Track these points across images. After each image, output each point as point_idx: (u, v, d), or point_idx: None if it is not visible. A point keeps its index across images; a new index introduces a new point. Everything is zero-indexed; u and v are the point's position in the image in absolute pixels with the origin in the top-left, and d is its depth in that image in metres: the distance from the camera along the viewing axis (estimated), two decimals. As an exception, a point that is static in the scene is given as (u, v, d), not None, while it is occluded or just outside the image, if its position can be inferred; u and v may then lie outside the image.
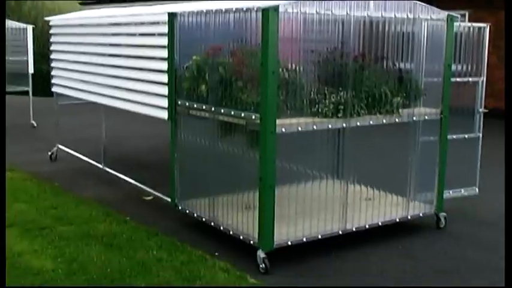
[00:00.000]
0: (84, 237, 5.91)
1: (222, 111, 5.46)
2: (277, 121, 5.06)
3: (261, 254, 5.16)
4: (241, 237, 5.44)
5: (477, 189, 6.83)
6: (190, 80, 5.80)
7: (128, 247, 5.67)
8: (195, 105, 5.78)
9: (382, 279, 5.14)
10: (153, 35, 6.46)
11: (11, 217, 6.41)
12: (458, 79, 6.51)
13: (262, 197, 5.13)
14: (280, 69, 5.18)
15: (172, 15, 5.95)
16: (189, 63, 5.81)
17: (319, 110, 5.46)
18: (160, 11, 6.31)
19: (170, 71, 6.00)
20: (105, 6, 20.82)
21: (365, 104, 5.67)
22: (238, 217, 5.54)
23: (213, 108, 5.56)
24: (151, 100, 6.45)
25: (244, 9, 5.18)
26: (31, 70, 12.83)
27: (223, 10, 5.42)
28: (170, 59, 5.99)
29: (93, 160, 8.48)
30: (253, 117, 5.11)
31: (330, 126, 5.52)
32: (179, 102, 5.99)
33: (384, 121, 5.80)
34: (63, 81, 8.87)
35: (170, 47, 5.97)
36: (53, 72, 9.18)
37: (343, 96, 5.50)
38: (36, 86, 13.80)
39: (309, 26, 5.35)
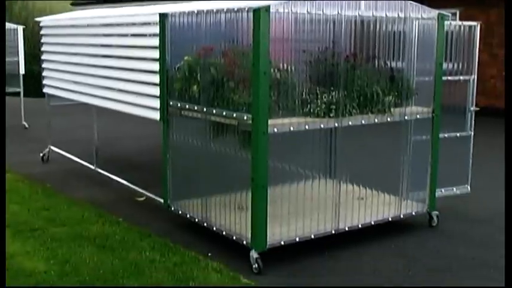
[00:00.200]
0: (77, 238, 5.90)
1: (214, 111, 5.46)
2: (269, 121, 5.06)
3: (254, 254, 5.16)
4: (234, 238, 5.44)
5: (469, 188, 6.85)
6: (182, 81, 5.80)
7: (120, 248, 5.66)
8: (187, 106, 5.77)
9: (375, 278, 5.15)
10: (144, 35, 6.45)
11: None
12: (449, 77, 6.53)
13: (254, 197, 5.13)
14: (272, 70, 5.18)
15: (163, 16, 5.94)
16: (181, 63, 5.81)
17: (311, 110, 5.47)
18: (151, 12, 6.29)
19: (162, 72, 6.00)
20: (96, 6, 20.79)
21: (357, 103, 5.68)
22: (231, 217, 5.54)
23: (205, 109, 5.56)
24: (143, 101, 6.44)
25: (236, 9, 5.18)
26: (22, 71, 12.79)
27: (215, 10, 5.42)
28: (162, 60, 5.98)
29: (85, 161, 8.46)
30: (245, 117, 5.11)
31: (322, 126, 5.52)
32: (171, 103, 5.98)
33: (376, 120, 5.81)
34: (54, 82, 8.85)
35: (161, 47, 5.96)
36: (44, 73, 9.15)
37: (335, 96, 5.50)
38: (28, 87, 13.76)
39: (300, 26, 5.35)
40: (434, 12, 6.08)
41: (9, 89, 13.41)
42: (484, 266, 5.43)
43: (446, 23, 6.18)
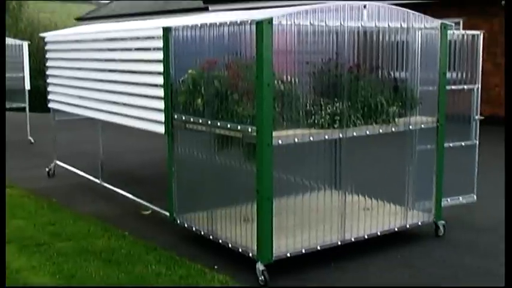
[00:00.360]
0: (83, 253, 5.90)
1: (219, 124, 5.47)
2: (274, 133, 5.07)
3: (260, 266, 5.15)
4: (240, 250, 5.43)
5: (475, 197, 6.83)
6: (186, 94, 5.81)
7: (126, 262, 5.66)
8: (192, 119, 5.78)
9: (382, 289, 5.13)
10: (148, 49, 6.47)
11: (9, 234, 6.40)
12: (453, 87, 6.53)
13: (260, 209, 5.12)
14: (276, 81, 5.19)
15: (167, 30, 5.96)
16: (185, 77, 5.83)
17: (316, 121, 5.47)
18: (155, 26, 6.32)
19: (166, 85, 6.01)
20: (100, 21, 20.89)
21: (361, 114, 5.69)
22: (236, 230, 5.54)
23: (209, 122, 5.57)
24: (147, 114, 6.45)
25: (238, 22, 5.20)
26: (27, 86, 12.85)
27: (218, 24, 5.44)
28: (166, 74, 6.00)
29: (91, 175, 8.47)
30: (250, 129, 5.12)
31: (326, 137, 5.52)
32: (175, 116, 6.00)
33: (380, 131, 5.81)
34: (59, 97, 8.88)
35: (165, 61, 5.99)
36: (49, 88, 9.19)
37: (339, 106, 5.51)
38: (33, 102, 13.82)
39: (303, 38, 5.37)
40: (437, 22, 6.09)
41: (14, 105, 13.47)
42: (489, 274, 5.41)
43: (450, 32, 6.19)
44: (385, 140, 5.99)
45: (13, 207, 7.46)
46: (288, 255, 5.33)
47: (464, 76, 6.65)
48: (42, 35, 9.49)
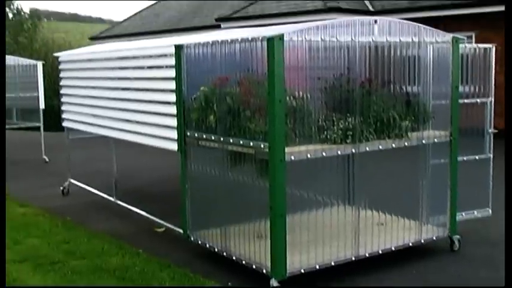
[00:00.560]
0: (97, 271, 5.91)
1: (231, 141, 5.48)
2: (286, 149, 5.07)
3: (274, 283, 5.13)
4: (253, 267, 5.42)
5: (490, 211, 6.78)
6: (199, 111, 5.83)
7: (140, 280, 5.66)
8: (204, 136, 5.80)
9: (397, 305, 5.09)
10: (160, 67, 6.51)
11: (24, 252, 6.44)
12: (466, 100, 6.51)
13: (273, 225, 5.11)
14: (288, 97, 5.20)
15: (179, 48, 6.00)
16: (197, 94, 5.85)
17: (328, 137, 5.47)
18: (167, 44, 6.36)
19: (178, 103, 6.04)
20: (114, 40, 21.05)
21: (373, 128, 5.68)
22: (250, 246, 5.52)
23: (221, 138, 5.58)
24: (160, 132, 6.48)
25: (250, 39, 5.22)
26: (42, 106, 12.94)
27: (229, 41, 5.47)
28: (178, 91, 6.03)
29: (105, 193, 8.50)
30: (262, 146, 5.13)
31: (339, 152, 5.51)
32: (188, 133, 6.02)
33: (393, 145, 5.80)
34: (73, 116, 8.94)
35: (178, 78, 6.02)
36: (63, 107, 9.26)
37: (351, 122, 5.50)
38: (48, 121, 13.92)
39: (315, 54, 5.38)
40: (448, 36, 6.08)
41: (29, 124, 13.58)
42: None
43: (461, 45, 6.17)
44: (398, 154, 5.97)
45: (28, 226, 7.49)
46: (302, 271, 5.31)
47: (477, 89, 6.63)
48: (56, 54, 9.58)
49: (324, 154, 5.39)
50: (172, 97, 6.10)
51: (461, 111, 6.30)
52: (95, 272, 5.86)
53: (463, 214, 6.59)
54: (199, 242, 6.14)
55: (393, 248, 5.90)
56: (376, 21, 5.61)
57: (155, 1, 28.07)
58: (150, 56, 6.77)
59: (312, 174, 5.70)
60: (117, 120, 7.49)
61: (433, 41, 6.01)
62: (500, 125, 7.63)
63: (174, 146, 6.18)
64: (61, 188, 9.47)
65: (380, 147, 5.72)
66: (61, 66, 9.24)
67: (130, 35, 23.57)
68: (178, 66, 6.01)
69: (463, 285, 5.47)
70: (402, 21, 5.83)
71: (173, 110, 6.11)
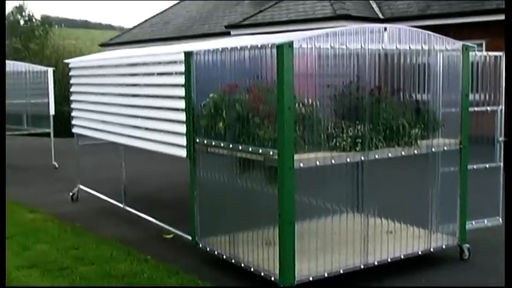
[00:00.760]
0: (105, 277, 5.91)
1: (240, 147, 5.48)
2: (295, 156, 5.06)
3: (282, 290, 5.12)
4: (262, 274, 5.41)
5: (500, 219, 6.74)
6: (208, 118, 5.84)
7: (148, 285, 5.65)
8: (213, 143, 5.80)
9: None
10: (170, 74, 6.52)
11: (33, 258, 6.45)
12: (476, 108, 6.48)
13: (282, 233, 5.10)
14: (297, 105, 5.19)
15: (188, 54, 6.01)
16: (206, 101, 5.86)
17: (337, 144, 5.46)
18: (176, 50, 6.38)
19: (188, 109, 6.05)
20: (124, 47, 21.13)
21: (383, 136, 5.66)
22: (258, 254, 5.51)
23: (231, 145, 5.58)
24: (169, 139, 6.49)
25: (259, 46, 5.23)
26: (52, 112, 12.99)
27: (239, 48, 5.47)
28: (187, 98, 6.04)
29: (114, 199, 8.51)
30: (271, 153, 5.12)
31: (348, 159, 5.50)
32: (197, 140, 6.02)
33: (403, 153, 5.78)
34: (83, 122, 8.97)
35: (187, 85, 6.03)
36: (73, 113, 9.29)
37: (360, 129, 5.49)
38: (58, 128, 13.96)
39: (324, 61, 5.38)
40: (458, 44, 6.06)
41: (39, 130, 13.63)
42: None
43: (472, 53, 6.15)
44: (407, 162, 5.94)
45: (37, 232, 7.51)
46: (311, 279, 5.30)
47: (487, 97, 6.60)
48: (66, 61, 9.62)
49: (333, 161, 5.38)
50: (182, 104, 6.11)
51: (472, 120, 6.27)
52: (103, 278, 5.87)
53: (473, 223, 6.55)
54: (208, 249, 6.14)
55: (402, 256, 5.88)
56: (385, 29, 5.60)
57: (165, 8, 28.15)
58: (160, 63, 6.79)
59: (321, 182, 5.69)
60: (127, 127, 7.50)
61: (443, 49, 6.00)
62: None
63: (183, 153, 6.19)
64: (70, 194, 9.49)
65: (389, 155, 5.70)
66: (71, 73, 9.28)
67: (140, 41, 23.65)
68: (187, 73, 6.02)
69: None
70: (412, 28, 5.82)
71: (182, 116, 6.12)
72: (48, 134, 13.29)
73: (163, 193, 10.02)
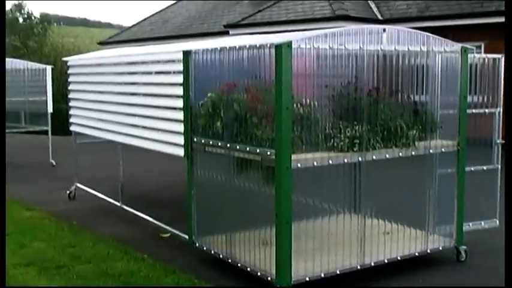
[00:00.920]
0: (102, 275, 5.90)
1: (238, 147, 5.48)
2: (293, 156, 5.06)
3: (278, 290, 5.12)
4: (258, 274, 5.41)
5: (497, 221, 6.74)
6: (206, 117, 5.84)
7: (145, 285, 5.64)
8: (211, 142, 5.80)
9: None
10: (168, 72, 6.52)
11: (30, 256, 6.44)
12: (474, 110, 6.48)
13: (278, 233, 5.10)
14: (295, 105, 5.20)
15: (187, 53, 6.01)
16: (204, 100, 5.85)
17: (335, 145, 5.46)
18: (175, 49, 6.37)
19: (186, 109, 6.05)
20: (122, 45, 21.11)
21: (380, 137, 5.66)
22: (255, 253, 5.51)
23: (228, 145, 5.58)
24: (167, 137, 6.48)
25: (258, 45, 5.23)
26: (50, 109, 12.98)
27: (237, 47, 5.47)
28: (185, 97, 6.03)
29: (111, 198, 8.51)
30: (269, 153, 5.12)
31: (345, 160, 5.50)
32: (195, 139, 6.02)
33: (400, 154, 5.78)
34: (81, 120, 8.96)
35: (185, 84, 6.02)
36: (71, 111, 9.28)
37: (358, 130, 5.49)
38: (56, 125, 13.96)
39: (323, 61, 5.38)
40: (457, 46, 6.07)
41: (37, 128, 13.62)
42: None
43: (470, 55, 6.16)
44: (405, 163, 5.95)
45: (34, 230, 7.50)
46: (307, 279, 5.30)
47: (485, 100, 6.61)
48: (64, 59, 9.61)
49: (330, 162, 5.38)
50: (180, 103, 6.10)
51: (469, 121, 6.28)
52: (100, 277, 5.86)
53: (470, 224, 6.56)
54: (205, 248, 6.14)
55: (399, 258, 5.88)
56: (384, 30, 5.60)
57: (164, 7, 28.15)
58: (159, 62, 6.79)
59: (318, 182, 5.69)
60: (125, 125, 7.50)
61: (442, 51, 6.00)
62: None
63: (180, 152, 6.19)
64: (68, 192, 9.48)
65: (387, 155, 5.71)
66: (70, 71, 9.27)
67: (139, 40, 23.64)
68: (186, 72, 6.02)
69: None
70: (411, 30, 5.82)
71: (180, 115, 6.12)
72: (46, 132, 13.28)
73: (161, 192, 10.02)
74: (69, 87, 9.27)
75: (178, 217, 6.86)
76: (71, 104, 9.28)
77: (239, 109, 5.46)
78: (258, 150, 5.24)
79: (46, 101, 12.91)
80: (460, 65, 6.08)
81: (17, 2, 44.70)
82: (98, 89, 8.22)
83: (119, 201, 8.27)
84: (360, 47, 5.46)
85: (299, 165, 5.14)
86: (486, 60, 6.57)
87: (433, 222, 6.28)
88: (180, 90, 6.09)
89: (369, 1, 17.97)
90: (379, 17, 17.18)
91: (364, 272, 5.65)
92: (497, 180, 6.68)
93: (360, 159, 5.57)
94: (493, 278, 5.85)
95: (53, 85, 13.24)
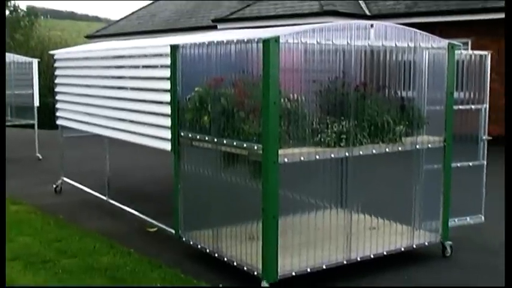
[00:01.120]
0: (88, 270, 5.88)
1: (225, 142, 5.47)
2: (280, 151, 5.06)
3: (265, 285, 5.12)
4: (245, 269, 5.41)
5: (483, 217, 6.79)
6: (193, 111, 5.82)
7: (131, 280, 5.64)
8: (198, 137, 5.79)
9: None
10: (156, 67, 6.50)
11: (15, 250, 6.40)
12: (461, 107, 6.51)
13: (265, 227, 5.11)
14: (282, 100, 5.19)
15: (174, 48, 5.99)
16: (192, 94, 5.84)
17: (322, 140, 5.46)
18: (162, 43, 6.35)
19: (173, 103, 6.03)
20: (109, 39, 21.01)
21: (367, 132, 5.67)
22: (242, 248, 5.52)
23: (215, 139, 5.57)
24: (154, 132, 6.46)
25: (245, 40, 5.22)
26: (36, 103, 12.91)
27: (225, 41, 5.46)
28: (173, 91, 6.02)
29: (98, 192, 8.48)
30: (256, 147, 5.12)
31: (332, 155, 5.51)
32: (182, 134, 6.01)
33: (387, 150, 5.79)
34: (67, 114, 8.92)
35: (172, 78, 6.01)
36: (58, 105, 9.24)
37: (345, 125, 5.50)
38: (42, 119, 13.88)
39: (310, 56, 5.38)
40: (444, 42, 6.09)
41: (23, 121, 13.54)
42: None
43: (457, 52, 6.18)
44: (391, 159, 5.97)
45: (20, 224, 7.46)
46: (293, 274, 5.30)
47: (472, 96, 6.64)
48: (51, 52, 9.55)
49: (317, 157, 5.39)
50: (167, 97, 6.09)
51: (456, 118, 6.30)
52: (86, 271, 5.84)
53: (456, 220, 6.59)
54: (191, 243, 6.13)
55: (385, 253, 5.90)
56: (372, 26, 5.61)
57: (152, 1, 28.04)
58: (146, 56, 6.76)
59: (305, 177, 5.70)
60: (112, 119, 7.47)
61: (429, 47, 6.02)
62: (495, 131, 7.65)
63: (167, 146, 6.17)
64: (54, 186, 9.44)
65: (374, 151, 5.72)
66: (56, 64, 9.22)
67: (126, 34, 23.54)
68: (173, 66, 6.00)
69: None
70: (398, 26, 5.84)
71: (167, 110, 6.10)
72: (32, 126, 13.20)
73: (147, 186, 9.99)
74: (56, 81, 9.22)
75: (164, 211, 6.85)
76: (57, 97, 9.23)
77: (226, 104, 5.45)
78: (245, 145, 5.24)
79: (32, 94, 12.83)
80: (446, 61, 6.09)
81: (3, -5, 44.35)
82: (85, 82, 8.18)
83: (105, 195, 8.24)
84: (347, 42, 5.46)
85: (286, 160, 5.14)
86: (473, 56, 6.60)
87: (419, 218, 6.31)
88: (167, 85, 6.07)
89: (357, -3, 18.01)
90: (367, 12, 17.21)
91: (351, 267, 5.67)
92: (483, 176, 6.72)
93: (346, 154, 5.58)
94: (477, 274, 5.89)
95: (39, 78, 13.16)
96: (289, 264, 5.34)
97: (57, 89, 9.22)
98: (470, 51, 6.65)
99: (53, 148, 10.75)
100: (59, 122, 9.26)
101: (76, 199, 8.89)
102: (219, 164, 5.68)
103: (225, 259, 5.65)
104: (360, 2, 17.77)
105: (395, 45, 5.77)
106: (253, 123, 5.22)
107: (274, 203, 5.07)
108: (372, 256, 5.80)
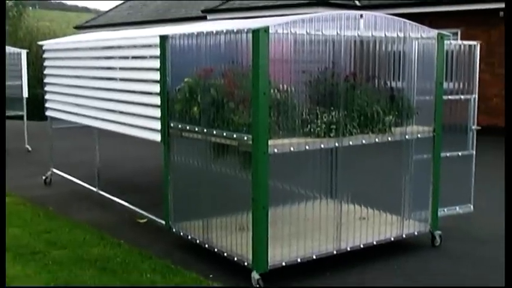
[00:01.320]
0: (78, 261, 5.88)
1: (215, 132, 5.46)
2: (270, 142, 5.06)
3: (255, 275, 5.14)
4: (235, 259, 5.42)
5: (472, 207, 6.82)
6: (183, 102, 5.81)
7: (121, 270, 5.63)
8: (188, 127, 5.78)
9: (378, 299, 5.11)
10: (145, 57, 6.47)
11: (5, 242, 6.38)
12: (450, 97, 6.53)
13: (255, 218, 5.11)
14: (272, 90, 5.19)
15: (163, 38, 5.97)
16: (181, 85, 5.82)
17: (312, 130, 5.46)
18: (152, 34, 6.33)
19: (162, 94, 6.02)
20: (99, 30, 20.90)
21: (357, 123, 5.68)
22: (232, 239, 5.52)
23: (205, 130, 5.57)
24: (144, 122, 6.45)
25: (235, 30, 5.20)
26: (25, 94, 12.86)
27: (214, 32, 5.44)
28: (162, 82, 6.00)
29: (87, 183, 8.46)
30: (245, 138, 5.11)
31: (322, 146, 5.51)
32: (172, 124, 5.99)
33: (377, 140, 5.80)
34: (56, 105, 8.88)
35: (162, 69, 5.99)
36: (47, 96, 9.19)
37: (335, 115, 5.50)
38: (31, 110, 13.81)
39: (300, 47, 5.37)
40: (433, 32, 6.09)
41: (12, 113, 13.47)
42: (485, 284, 5.39)
43: (447, 42, 6.19)
44: (381, 149, 5.98)
45: (9, 215, 7.42)
46: (284, 264, 5.32)
47: (461, 86, 6.65)
48: (40, 43, 9.50)
49: (307, 147, 5.39)
50: (157, 88, 6.07)
51: (445, 108, 6.32)
52: (76, 263, 5.83)
53: (445, 210, 6.63)
54: (181, 234, 6.13)
55: (375, 243, 5.92)
56: (361, 16, 5.61)
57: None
58: (135, 46, 6.74)
59: (295, 168, 5.70)
60: (101, 110, 7.45)
61: (419, 37, 6.02)
62: (484, 121, 7.69)
63: (157, 137, 6.16)
64: (43, 177, 9.41)
65: (363, 141, 5.73)
66: (45, 55, 9.17)
67: (116, 24, 23.44)
68: (163, 57, 5.98)
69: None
70: (388, 16, 5.84)
71: (157, 100, 6.09)
72: (21, 117, 13.14)
73: (137, 177, 9.98)
74: (45, 72, 9.17)
75: (155, 202, 6.85)
76: (46, 88, 9.19)
77: (216, 94, 5.44)
78: (234, 136, 5.24)
79: (21, 85, 12.78)
80: (436, 51, 6.10)
81: (-9, -15, 44.02)
82: (74, 73, 8.15)
83: (95, 187, 8.23)
84: (337, 32, 5.46)
85: (276, 150, 5.14)
86: (462, 46, 6.61)
87: (409, 208, 6.33)
88: (156, 75, 6.05)
89: (347, -13, 17.97)
90: (357, 3, 17.20)
91: (341, 257, 5.69)
92: (472, 166, 6.75)
93: (336, 144, 5.59)
94: (466, 262, 5.92)
95: (28, 69, 13.10)
96: (279, 254, 5.35)
97: (46, 80, 9.17)
98: (459, 42, 6.67)
99: (42, 139, 10.71)
100: (48, 113, 9.22)
101: (66, 190, 8.87)
102: (209, 155, 5.68)
103: (215, 250, 5.65)
104: (350, -8, 17.75)
105: (385, 35, 5.77)
106: (243, 113, 5.21)
107: (264, 193, 5.07)
108: (362, 246, 5.82)
